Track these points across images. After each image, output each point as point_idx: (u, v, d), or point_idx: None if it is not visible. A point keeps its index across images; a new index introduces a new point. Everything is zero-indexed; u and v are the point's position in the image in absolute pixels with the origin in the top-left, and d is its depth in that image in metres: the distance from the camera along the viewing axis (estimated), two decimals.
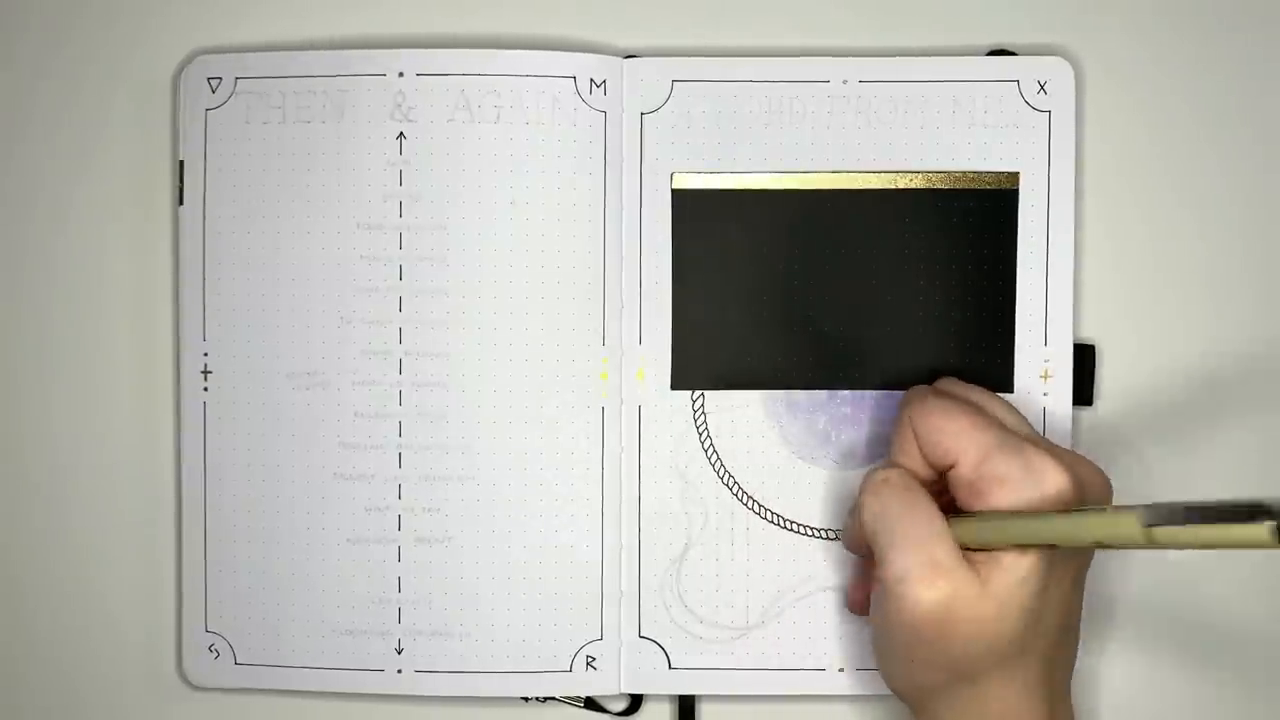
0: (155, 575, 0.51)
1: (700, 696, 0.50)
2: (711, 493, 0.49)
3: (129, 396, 0.51)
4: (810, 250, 0.49)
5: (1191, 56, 0.50)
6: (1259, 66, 0.50)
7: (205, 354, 0.50)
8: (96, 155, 0.51)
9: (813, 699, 0.50)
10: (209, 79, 0.49)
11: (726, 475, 0.49)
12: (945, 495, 0.43)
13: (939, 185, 0.49)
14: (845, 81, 0.49)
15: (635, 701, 0.51)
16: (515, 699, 0.50)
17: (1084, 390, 0.50)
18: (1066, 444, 0.49)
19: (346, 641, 0.49)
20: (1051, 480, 0.40)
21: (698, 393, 0.49)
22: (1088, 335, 0.50)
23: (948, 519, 0.41)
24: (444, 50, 0.49)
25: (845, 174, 0.49)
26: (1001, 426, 0.43)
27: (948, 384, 0.46)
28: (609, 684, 0.50)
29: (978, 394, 0.46)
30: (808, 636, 0.49)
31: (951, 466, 0.42)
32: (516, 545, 0.49)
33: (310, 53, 0.50)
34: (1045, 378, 0.49)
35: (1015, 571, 0.40)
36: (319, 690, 0.50)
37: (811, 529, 0.49)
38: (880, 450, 0.49)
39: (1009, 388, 0.49)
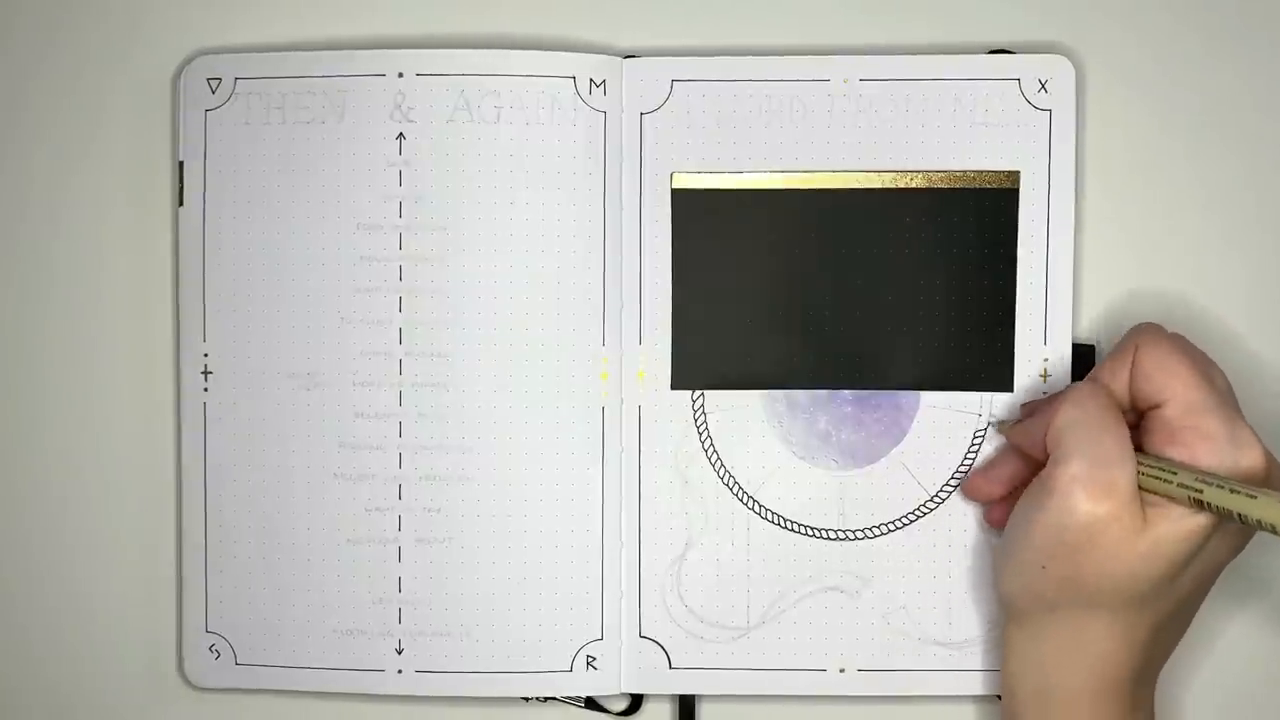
0: (155, 575, 0.51)
1: (700, 696, 0.50)
2: (711, 493, 0.49)
3: (129, 396, 0.51)
4: (810, 250, 0.49)
5: (1192, 55, 0.50)
6: (1259, 65, 0.50)
7: (205, 354, 0.50)
8: (96, 155, 0.51)
9: (813, 699, 0.50)
10: (209, 79, 0.49)
11: (726, 475, 0.49)
12: (1134, 431, 0.43)
13: (939, 185, 0.49)
14: (845, 81, 0.49)
15: (635, 701, 0.51)
16: (515, 699, 0.50)
17: None
18: None
19: (347, 641, 0.49)
20: (1250, 454, 0.41)
21: (698, 393, 0.49)
22: (1087, 335, 0.50)
23: (1140, 455, 0.42)
24: (444, 50, 0.49)
25: (845, 174, 0.49)
26: (1218, 389, 0.43)
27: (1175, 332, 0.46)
28: (609, 684, 0.50)
29: (1203, 354, 0.45)
30: (808, 637, 0.49)
31: (1157, 406, 0.42)
32: (516, 545, 0.49)
33: (310, 53, 0.50)
34: (1045, 378, 0.49)
35: (1180, 527, 0.41)
36: (319, 690, 0.50)
37: (811, 529, 0.49)
38: (879, 449, 0.49)
39: (1009, 387, 0.49)
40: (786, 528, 0.49)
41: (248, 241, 0.49)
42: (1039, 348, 0.49)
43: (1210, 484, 0.40)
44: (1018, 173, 0.49)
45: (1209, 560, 0.43)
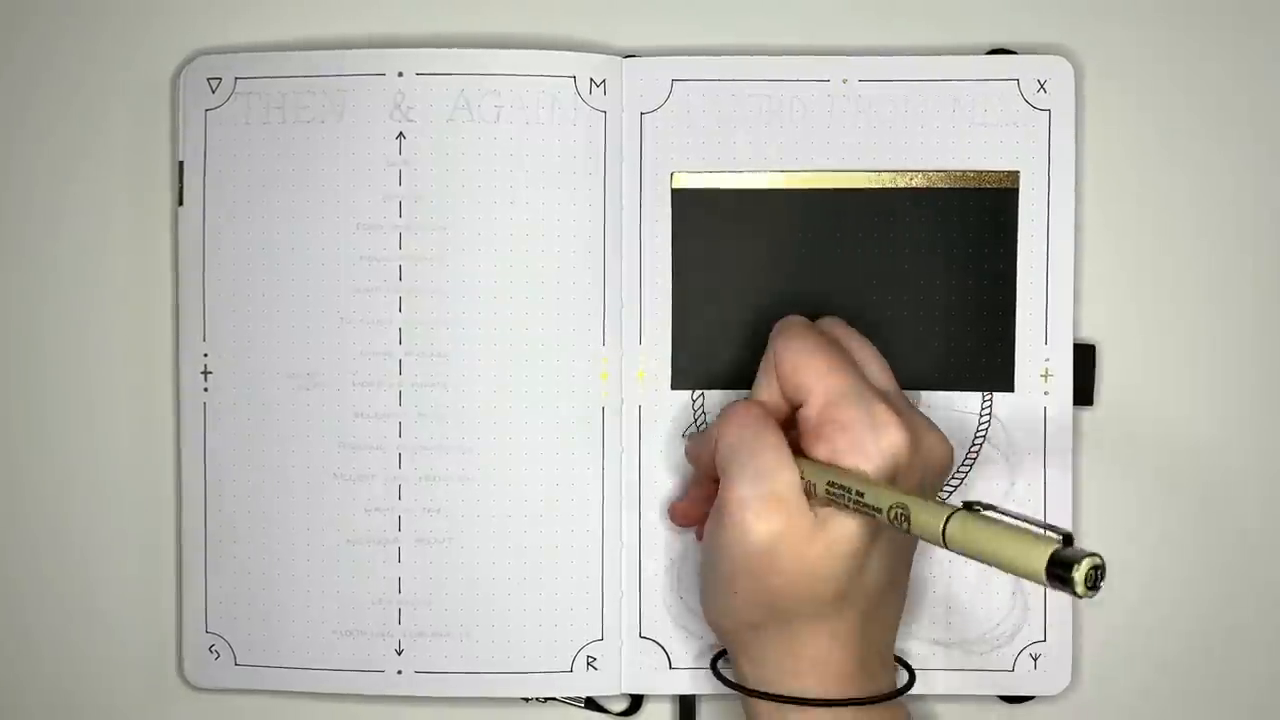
0: (155, 575, 0.51)
1: (700, 696, 0.50)
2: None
3: (129, 396, 0.51)
4: (810, 250, 0.49)
5: (1191, 55, 0.50)
6: (1259, 65, 0.50)
7: (205, 354, 0.50)
8: (96, 156, 0.51)
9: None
10: (209, 79, 0.49)
11: None
12: (796, 433, 0.43)
13: (939, 185, 0.49)
14: (845, 81, 0.49)
15: (635, 701, 0.51)
16: (515, 699, 0.50)
17: (1084, 390, 0.50)
18: (1067, 444, 0.49)
19: (347, 642, 0.49)
20: (890, 436, 0.41)
21: (698, 393, 0.49)
22: (1088, 335, 0.50)
23: (797, 459, 0.42)
24: (444, 50, 0.49)
25: (845, 174, 0.49)
26: (859, 375, 0.43)
27: (828, 323, 0.46)
28: (609, 684, 0.50)
29: (847, 336, 0.45)
30: None
31: (803, 404, 0.42)
32: (516, 545, 0.49)
33: (310, 53, 0.50)
34: (1045, 377, 0.49)
35: (847, 525, 0.41)
36: (319, 691, 0.50)
37: None
38: None
39: (1009, 387, 0.49)
40: None
41: (248, 241, 0.49)
42: (1039, 348, 0.49)
43: (843, 491, 0.40)
44: (1018, 173, 0.49)
45: (892, 546, 0.43)
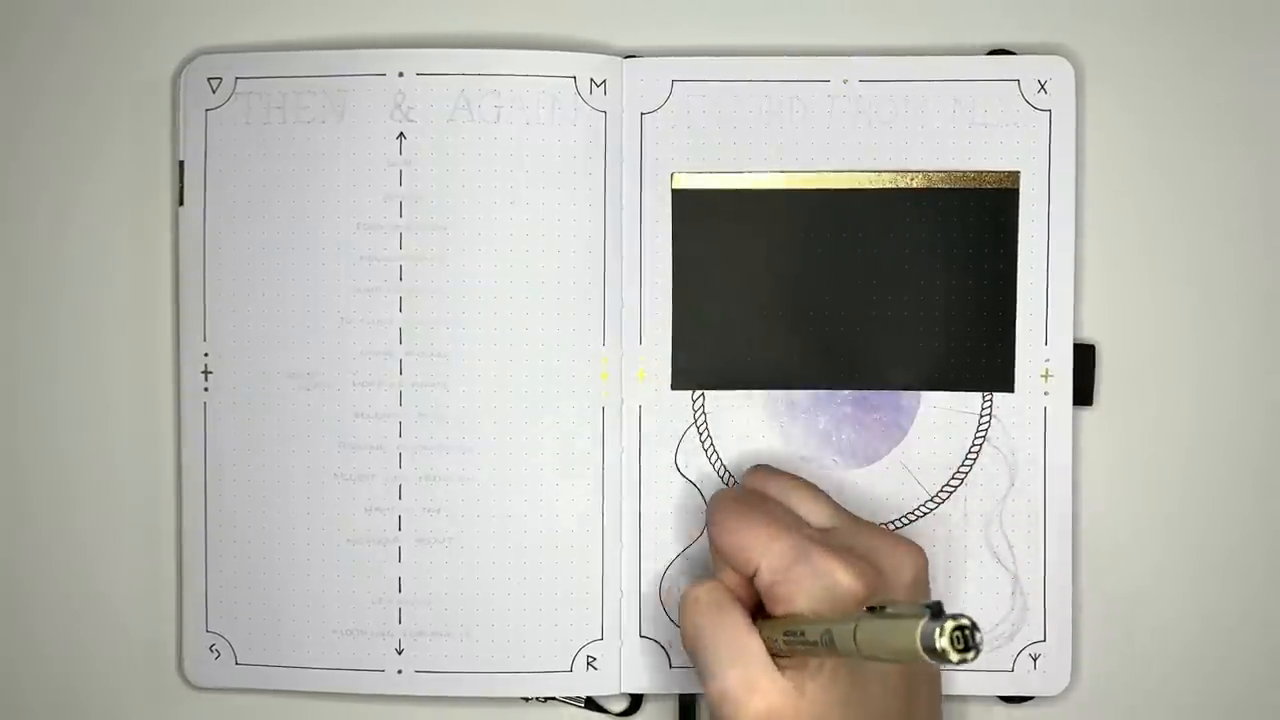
0: (155, 575, 0.51)
1: (700, 696, 0.50)
2: (712, 493, 0.49)
3: (129, 396, 0.51)
4: (810, 250, 0.49)
5: (1191, 55, 0.50)
6: (1258, 66, 0.50)
7: (205, 354, 0.50)
8: (97, 156, 0.51)
9: None
10: (209, 79, 0.49)
11: (727, 475, 0.49)
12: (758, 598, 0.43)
13: (939, 185, 0.49)
14: (845, 81, 0.49)
15: (635, 701, 0.51)
16: (515, 699, 0.50)
17: (1084, 390, 0.50)
18: (1067, 444, 0.49)
19: (347, 641, 0.49)
20: (841, 580, 0.41)
21: (698, 393, 0.49)
22: (1088, 335, 0.50)
23: (758, 623, 0.42)
24: (444, 50, 0.49)
25: (845, 174, 0.49)
26: (797, 529, 0.42)
27: (755, 479, 0.46)
28: (609, 684, 0.50)
29: (779, 486, 0.45)
30: None
31: (753, 575, 0.42)
32: (517, 545, 0.49)
33: (310, 53, 0.50)
34: (1045, 378, 0.49)
35: (822, 673, 0.41)
36: (319, 690, 0.50)
37: None
38: (879, 449, 0.49)
39: (1009, 388, 0.49)
40: None
41: (248, 241, 0.49)
42: (1039, 348, 0.49)
43: (793, 639, 0.40)
44: (1018, 173, 0.49)
45: (885, 668, 0.42)
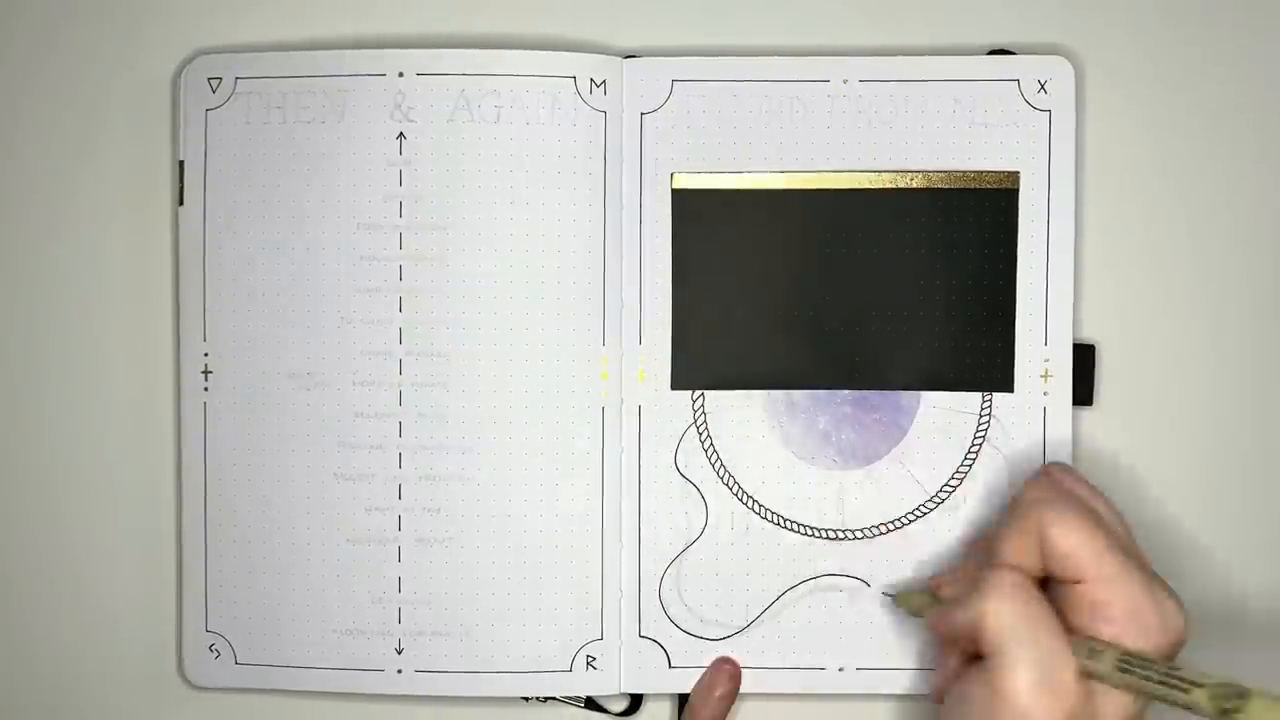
0: (155, 575, 0.51)
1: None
2: (711, 493, 0.49)
3: (129, 396, 0.51)
4: (810, 250, 0.49)
5: (1192, 55, 0.50)
6: (1259, 66, 0.50)
7: (205, 354, 0.50)
8: (97, 156, 0.51)
9: (812, 698, 0.50)
10: (209, 79, 0.49)
11: (726, 475, 0.49)
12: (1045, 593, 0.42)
13: (939, 185, 0.49)
14: (845, 81, 0.49)
15: (635, 701, 0.51)
16: (515, 699, 0.50)
17: (1084, 390, 0.50)
18: (1067, 445, 0.49)
19: (346, 641, 0.49)
20: (1173, 622, 0.41)
21: (698, 393, 0.49)
22: (1088, 335, 0.50)
23: (1070, 636, 0.41)
24: (444, 50, 0.49)
25: (845, 174, 0.49)
26: (1127, 547, 0.42)
27: (1067, 479, 0.45)
28: (609, 684, 0.50)
29: (1088, 489, 0.45)
30: (807, 635, 0.49)
31: (1078, 581, 0.42)
32: (516, 545, 0.49)
33: (310, 53, 0.50)
34: (1045, 378, 0.49)
35: (1120, 707, 0.40)
36: (319, 690, 0.50)
37: (811, 529, 0.49)
38: (879, 449, 0.49)
39: (1009, 388, 0.49)
40: (786, 527, 0.49)
41: (248, 241, 0.49)
42: (1039, 348, 0.49)
43: (1138, 668, 0.39)
44: (1018, 173, 0.49)
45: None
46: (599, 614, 0.49)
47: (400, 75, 0.49)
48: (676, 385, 0.49)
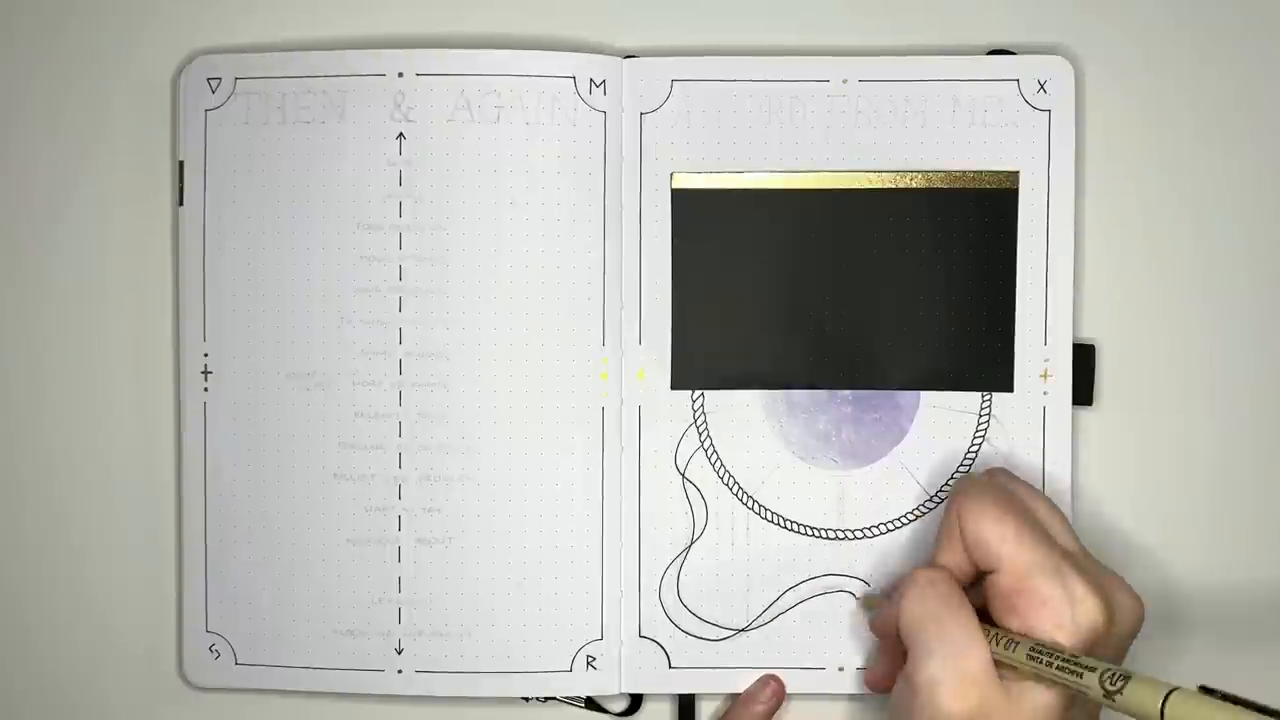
0: (155, 575, 0.51)
1: (700, 696, 0.50)
2: (711, 493, 0.49)
3: (129, 396, 0.51)
4: (810, 250, 0.49)
5: (1191, 55, 0.50)
6: (1258, 66, 0.50)
7: (205, 354, 0.50)
8: (97, 156, 0.51)
9: (812, 698, 0.50)
10: (209, 79, 0.49)
11: (726, 475, 0.49)
12: (977, 591, 0.43)
13: (939, 185, 0.49)
14: (845, 81, 0.49)
15: (635, 701, 0.51)
16: (515, 699, 0.50)
17: (1084, 390, 0.50)
18: (1067, 444, 0.49)
19: (346, 641, 0.49)
20: (1087, 610, 0.40)
21: (698, 393, 0.49)
22: (1088, 335, 0.50)
23: (985, 628, 0.41)
24: (444, 50, 0.49)
25: (845, 174, 0.49)
26: (1047, 538, 0.42)
27: (1002, 477, 0.46)
28: (609, 684, 0.50)
29: (1025, 489, 0.45)
30: (807, 636, 0.49)
31: (993, 571, 0.42)
32: (516, 545, 0.49)
33: (310, 53, 0.50)
34: (1045, 378, 0.49)
35: (1043, 698, 0.40)
36: (319, 690, 0.50)
37: (811, 529, 0.49)
38: (879, 449, 0.49)
39: (1009, 387, 0.49)
40: (786, 527, 0.49)
41: (248, 241, 0.49)
42: (1039, 348, 0.49)
43: (1043, 656, 0.39)
44: (1017, 173, 0.49)
45: (1091, 708, 0.42)
46: (599, 614, 0.49)
47: (400, 75, 0.49)
48: (676, 385, 0.49)
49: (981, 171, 0.49)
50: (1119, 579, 0.43)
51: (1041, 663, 0.39)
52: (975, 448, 0.49)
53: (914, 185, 0.49)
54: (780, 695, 0.49)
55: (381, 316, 0.49)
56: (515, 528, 0.49)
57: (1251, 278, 0.50)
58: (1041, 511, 0.44)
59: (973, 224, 0.49)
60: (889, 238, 0.49)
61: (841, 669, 0.49)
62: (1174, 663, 0.50)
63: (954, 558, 0.43)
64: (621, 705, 0.51)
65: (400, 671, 0.49)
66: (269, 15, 0.51)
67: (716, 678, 0.50)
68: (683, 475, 0.49)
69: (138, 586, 0.51)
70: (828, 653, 0.49)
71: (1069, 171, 0.49)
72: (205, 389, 0.50)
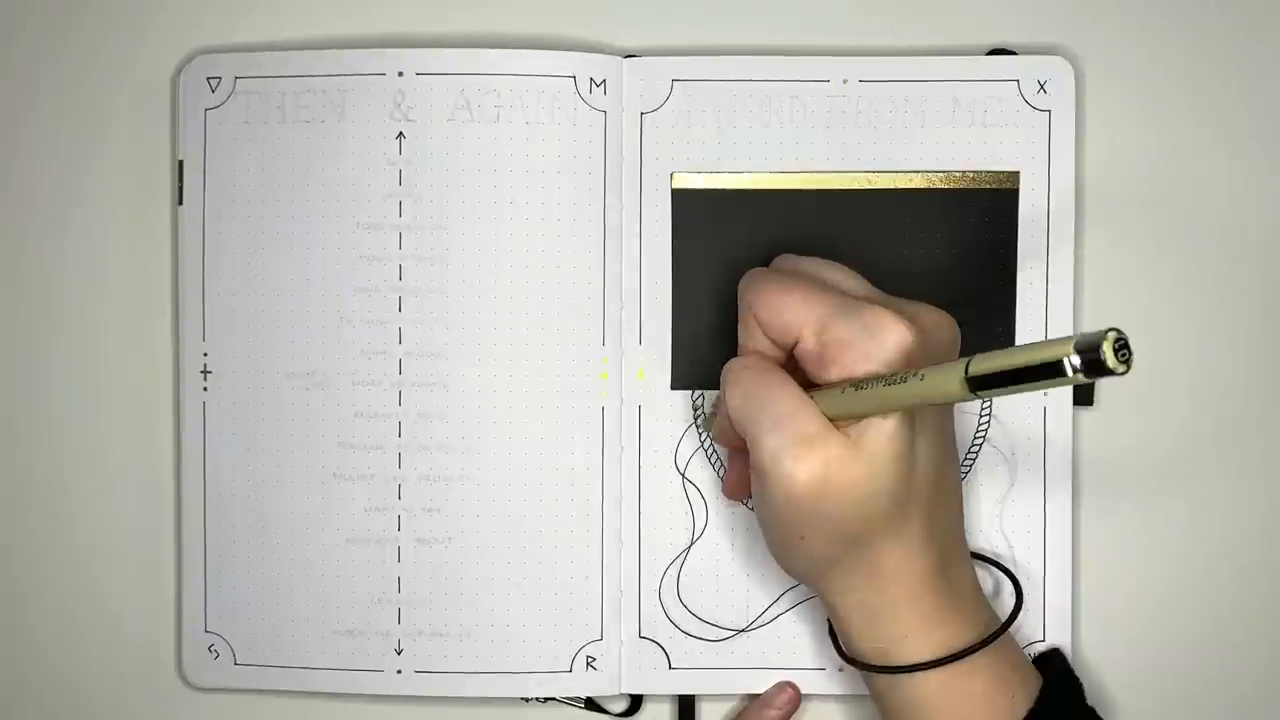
0: (155, 575, 0.51)
1: (700, 696, 0.50)
2: (711, 492, 0.49)
3: (129, 396, 0.51)
4: (810, 250, 0.49)
5: (1191, 55, 0.50)
6: (1258, 65, 0.50)
7: (205, 354, 0.50)
8: (96, 155, 0.51)
9: (812, 698, 0.50)
10: (209, 79, 0.49)
11: (726, 475, 0.49)
12: (800, 372, 0.43)
13: (939, 185, 0.49)
14: (845, 81, 0.49)
15: (635, 701, 0.51)
16: (515, 699, 0.50)
17: (1084, 390, 0.50)
18: (1067, 444, 0.49)
19: (346, 641, 0.49)
20: (892, 334, 0.40)
21: (698, 392, 0.49)
22: None
23: (809, 393, 0.41)
24: (444, 50, 0.49)
25: (845, 174, 0.49)
26: (839, 291, 0.43)
27: (782, 260, 0.46)
28: (609, 684, 0.50)
29: (810, 263, 0.45)
30: (807, 636, 0.49)
31: (797, 342, 0.42)
32: (516, 545, 0.49)
33: (310, 52, 0.50)
34: None
35: (882, 430, 0.40)
36: (319, 690, 0.50)
37: None
38: None
39: None
40: None
41: (248, 241, 0.49)
42: None
43: (864, 387, 0.40)
44: (1017, 173, 0.49)
45: (930, 432, 0.42)
46: (599, 614, 0.49)
47: (400, 75, 0.49)
48: (676, 385, 0.49)
49: (982, 171, 0.49)
50: (923, 304, 0.43)
51: (867, 388, 0.40)
52: (976, 447, 0.49)
53: (914, 185, 0.49)
54: (795, 703, 0.49)
55: (381, 316, 0.49)
56: (515, 528, 0.49)
57: (1252, 277, 0.50)
58: (828, 273, 0.44)
59: (973, 224, 0.49)
60: (889, 238, 0.49)
61: (841, 669, 0.49)
62: (1173, 656, 0.50)
63: (761, 346, 0.44)
64: (621, 706, 0.51)
65: (399, 672, 0.49)
66: (269, 15, 0.51)
67: (716, 678, 0.50)
68: (683, 475, 0.49)
69: (137, 587, 0.51)
70: (827, 653, 0.49)
71: (1069, 171, 0.49)
72: (205, 389, 0.50)
